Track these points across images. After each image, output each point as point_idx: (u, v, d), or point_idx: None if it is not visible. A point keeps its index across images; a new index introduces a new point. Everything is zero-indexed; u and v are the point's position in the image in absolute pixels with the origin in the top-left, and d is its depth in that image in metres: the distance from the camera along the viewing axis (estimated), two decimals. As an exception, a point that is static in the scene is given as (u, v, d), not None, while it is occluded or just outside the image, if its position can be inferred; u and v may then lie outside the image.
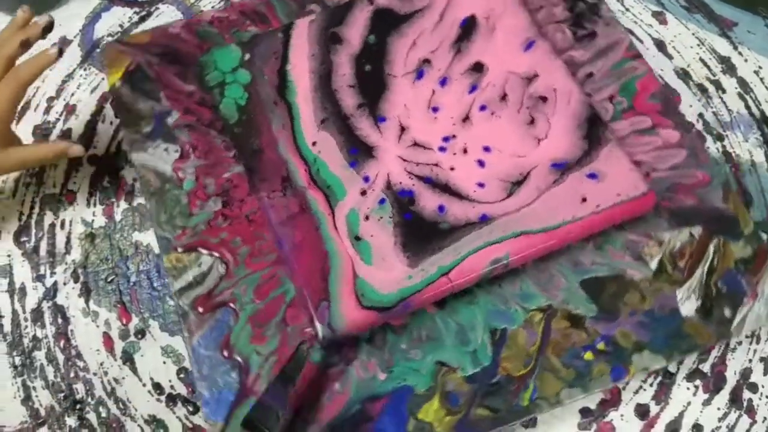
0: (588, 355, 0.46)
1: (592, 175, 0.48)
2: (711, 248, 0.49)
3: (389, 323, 0.48)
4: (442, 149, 0.49)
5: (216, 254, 0.49)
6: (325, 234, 0.47)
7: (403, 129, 0.50)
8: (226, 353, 0.47)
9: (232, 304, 0.48)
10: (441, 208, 0.48)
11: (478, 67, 0.52)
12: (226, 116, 0.52)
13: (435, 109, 0.51)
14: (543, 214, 0.47)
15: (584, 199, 0.47)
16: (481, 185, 0.48)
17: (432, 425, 0.45)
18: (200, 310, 0.48)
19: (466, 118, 0.50)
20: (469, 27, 0.54)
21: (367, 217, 0.48)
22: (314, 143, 0.50)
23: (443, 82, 0.52)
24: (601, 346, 0.47)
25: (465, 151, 0.49)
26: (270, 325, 0.48)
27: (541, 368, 0.46)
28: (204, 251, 0.50)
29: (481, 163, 0.49)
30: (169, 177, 0.52)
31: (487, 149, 0.49)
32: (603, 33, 0.56)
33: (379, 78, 0.52)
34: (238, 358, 0.47)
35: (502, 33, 0.53)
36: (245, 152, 0.51)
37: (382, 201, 0.48)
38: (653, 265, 0.49)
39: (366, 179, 0.49)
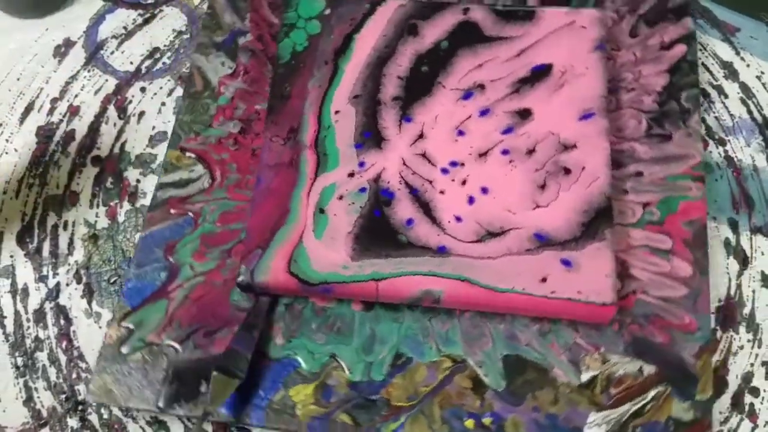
0: (469, 423, 0.47)
1: (566, 262, 0.48)
2: (651, 393, 0.47)
3: (313, 300, 0.51)
4: (444, 171, 0.51)
5: (209, 169, 0.55)
6: (297, 193, 0.51)
7: (421, 136, 0.52)
8: (167, 255, 0.53)
9: (194, 215, 0.54)
10: (409, 222, 0.50)
11: (524, 114, 0.53)
12: (280, 55, 0.56)
13: (461, 133, 0.52)
14: (497, 273, 0.48)
15: (544, 279, 0.47)
16: (458, 219, 0.49)
17: (295, 405, 0.48)
18: (171, 210, 0.55)
19: (483, 154, 0.52)
20: (540, 74, 0.54)
21: (341, 197, 0.51)
22: (337, 112, 0.54)
23: (484, 112, 0.53)
24: (487, 421, 0.47)
25: (464, 182, 0.51)
26: (216, 249, 0.52)
27: (420, 410, 0.47)
28: (201, 161, 0.56)
29: (471, 200, 0.50)
30: (212, 87, 0.58)
31: (484, 190, 0.50)
32: (678, 141, 0.55)
33: (428, 81, 0.54)
34: (173, 263, 0.52)
35: (568, 93, 0.53)
36: (275, 92, 0.55)
37: (362, 189, 0.51)
38: (584, 377, 0.48)
39: (361, 164, 0.52)
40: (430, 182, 0.51)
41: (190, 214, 0.53)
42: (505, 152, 0.52)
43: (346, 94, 0.54)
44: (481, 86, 0.54)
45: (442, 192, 0.51)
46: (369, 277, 0.48)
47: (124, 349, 0.50)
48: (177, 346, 0.50)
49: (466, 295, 0.47)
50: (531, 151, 0.52)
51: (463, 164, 0.51)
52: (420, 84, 0.54)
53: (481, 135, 0.52)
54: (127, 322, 0.50)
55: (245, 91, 0.58)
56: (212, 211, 0.54)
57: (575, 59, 0.55)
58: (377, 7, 0.57)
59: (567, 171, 0.51)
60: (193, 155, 0.55)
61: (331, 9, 0.57)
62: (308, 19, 0.57)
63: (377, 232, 0.49)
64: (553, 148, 0.52)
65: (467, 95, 0.54)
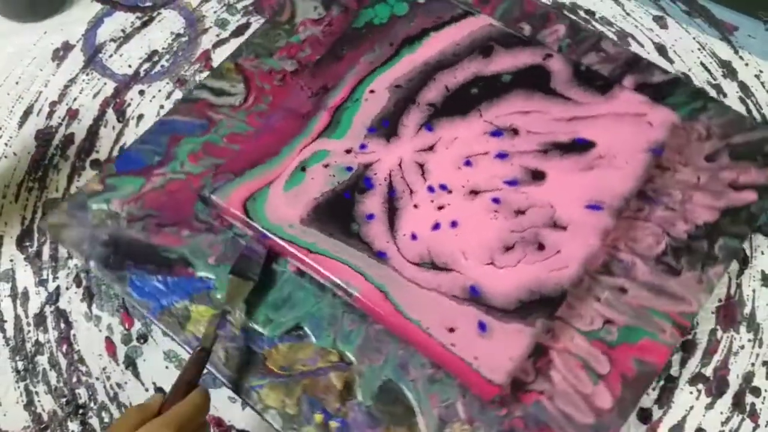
0: (318, 417, 0.49)
1: (482, 326, 0.48)
2: (496, 489, 0.48)
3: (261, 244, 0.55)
4: (431, 189, 0.53)
5: (247, 91, 0.61)
6: (293, 144, 0.55)
7: (431, 148, 0.54)
8: (170, 144, 0.59)
9: (210, 123, 0.59)
10: (370, 216, 0.52)
11: (538, 175, 0.53)
12: (356, 19, 0.60)
13: (468, 163, 0.53)
14: (414, 301, 0.49)
15: (452, 330, 0.48)
16: (413, 237, 0.51)
17: (190, 320, 0.52)
18: (199, 111, 0.61)
19: (475, 192, 0.52)
20: (578, 147, 0.54)
21: (327, 165, 0.54)
22: (372, 92, 0.56)
23: (502, 156, 0.54)
24: (333, 424, 0.49)
25: (440, 208, 0.52)
26: (210, 160, 0.58)
27: (284, 382, 0.50)
28: (244, 82, 0.61)
29: (436, 226, 0.51)
30: (294, 23, 0.64)
31: (453, 224, 0.51)
32: (684, 281, 0.52)
33: (469, 104, 0.56)
34: (170, 153, 0.58)
35: (593, 177, 0.52)
36: (331, 50, 0.59)
37: (349, 168, 0.54)
38: (440, 440, 0.49)
39: (363, 147, 0.54)
40: (411, 192, 0.53)
41: (210, 123, 0.59)
42: (495, 200, 0.52)
43: (390, 79, 0.57)
44: (515, 131, 0.55)
45: (415, 206, 0.52)
46: (305, 245, 0.51)
47: (92, 203, 0.57)
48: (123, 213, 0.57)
49: (377, 305, 0.49)
50: (520, 212, 0.52)
51: (450, 192, 0.53)
52: (461, 102, 0.56)
53: (485, 175, 0.53)
54: (106, 181, 0.57)
55: (318, 40, 0.62)
56: (227, 127, 0.59)
57: (621, 150, 0.53)
58: (468, 17, 0.59)
59: (541, 247, 0.51)
60: (244, 82, 0.61)
61: (428, 1, 0.60)
62: (400, 0, 0.61)
63: (337, 211, 0.52)
64: (542, 220, 0.51)
65: (497, 133, 0.55)
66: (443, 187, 0.53)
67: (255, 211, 0.52)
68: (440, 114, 0.56)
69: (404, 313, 0.49)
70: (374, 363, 0.51)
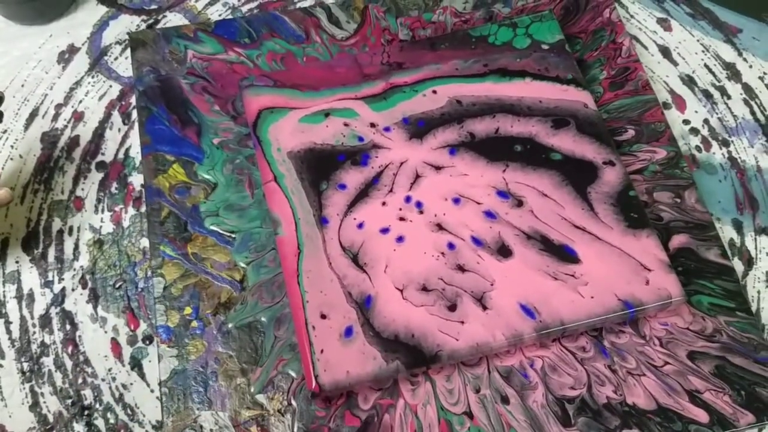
0: (188, 310, 0.56)
1: (349, 331, 0.52)
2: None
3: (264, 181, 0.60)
4: (408, 199, 0.57)
5: (355, 32, 0.67)
6: (336, 90, 0.62)
7: (439, 168, 0.58)
8: (264, 38, 0.67)
9: (307, 39, 0.67)
10: (342, 186, 0.57)
11: (504, 252, 0.55)
12: (475, 27, 0.65)
13: (456, 201, 0.57)
14: (316, 275, 0.54)
15: (323, 317, 0.53)
16: (360, 226, 0.56)
17: (165, 173, 0.61)
18: (306, 24, 0.68)
19: (440, 227, 0.56)
20: (562, 254, 0.55)
21: (346, 125, 0.60)
22: (434, 92, 0.61)
23: (490, 215, 0.56)
24: (195, 323, 0.56)
25: (402, 219, 0.56)
26: (280, 66, 0.66)
27: (187, 267, 0.58)
28: (359, 25, 0.68)
29: (384, 230, 0.56)
30: (439, 4, 0.69)
31: (400, 239, 0.55)
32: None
33: (502, 156, 0.58)
34: (258, 43, 0.67)
35: (549, 287, 0.53)
36: (433, 39, 0.64)
37: (361, 139, 0.60)
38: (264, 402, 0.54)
39: (387, 129, 0.60)
40: (390, 191, 0.57)
41: (305, 34, 0.67)
42: (451, 246, 0.55)
43: (458, 92, 0.61)
44: (520, 204, 0.57)
45: (384, 204, 0.57)
46: (276, 172, 0.58)
47: (175, 41, 0.67)
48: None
49: (286, 255, 0.55)
50: (461, 269, 0.55)
51: (421, 212, 0.57)
52: (497, 149, 0.59)
53: (461, 220, 0.56)
54: (197, 33, 0.67)
55: (443, 28, 0.67)
56: (315, 50, 0.66)
57: (597, 284, 0.54)
58: (572, 85, 0.61)
59: (452, 308, 0.53)
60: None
61: (552, 48, 0.63)
62: (528, 34, 0.63)
63: (321, 165, 0.58)
64: (473, 289, 0.54)
65: (503, 194, 0.57)
66: (419, 204, 0.57)
67: (263, 121, 0.60)
68: (471, 147, 0.59)
69: (300, 276, 0.54)
70: (260, 302, 0.57)
